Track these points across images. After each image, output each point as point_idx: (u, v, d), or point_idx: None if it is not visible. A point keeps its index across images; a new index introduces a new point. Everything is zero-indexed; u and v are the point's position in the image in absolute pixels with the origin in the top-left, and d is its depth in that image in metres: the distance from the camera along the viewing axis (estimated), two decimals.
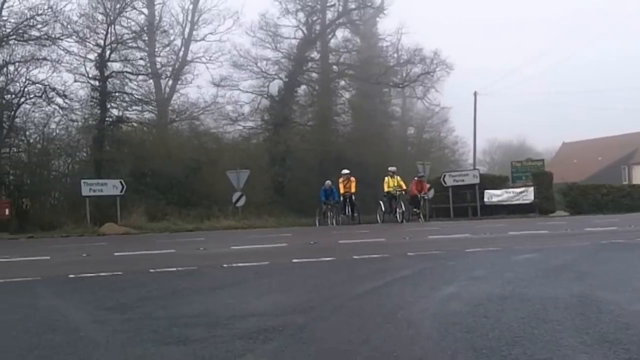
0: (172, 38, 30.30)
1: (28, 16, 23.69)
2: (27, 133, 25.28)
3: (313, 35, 34.59)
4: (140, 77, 28.06)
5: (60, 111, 25.15)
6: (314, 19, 34.74)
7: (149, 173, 25.73)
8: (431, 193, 25.50)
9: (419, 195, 23.16)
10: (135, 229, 20.66)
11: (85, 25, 25.61)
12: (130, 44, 27.08)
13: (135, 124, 27.97)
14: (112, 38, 26.08)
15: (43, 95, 24.31)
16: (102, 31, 25.88)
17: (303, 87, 35.33)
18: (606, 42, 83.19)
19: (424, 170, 26.10)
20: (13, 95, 24.31)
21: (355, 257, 8.91)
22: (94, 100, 25.98)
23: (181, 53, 31.92)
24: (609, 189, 28.19)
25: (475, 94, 38.13)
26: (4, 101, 24.28)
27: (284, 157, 30.93)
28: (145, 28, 28.71)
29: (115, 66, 26.76)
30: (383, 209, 22.17)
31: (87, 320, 4.67)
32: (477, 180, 26.47)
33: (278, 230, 18.83)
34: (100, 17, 26.11)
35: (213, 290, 6.21)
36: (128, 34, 27.36)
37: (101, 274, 7.59)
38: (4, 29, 23.78)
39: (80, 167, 26.38)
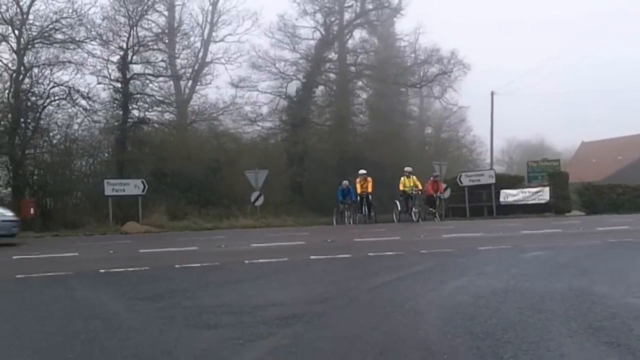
0: (192, 39, 30.88)
1: (53, 19, 24.35)
2: (51, 134, 25.92)
3: (331, 36, 34.93)
4: (161, 79, 28.67)
5: (84, 112, 25.77)
6: (332, 20, 35.10)
7: (170, 173, 26.19)
8: (447, 193, 25.76)
9: (434, 195, 23.46)
10: (156, 228, 21.11)
11: (109, 28, 26.20)
12: (151, 46, 27.62)
13: (156, 125, 28.50)
14: (134, 41, 26.61)
15: (67, 97, 24.93)
16: (125, 34, 26.42)
17: (321, 87, 35.74)
18: (623, 42, 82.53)
19: (440, 170, 26.34)
20: (38, 97, 24.96)
21: (370, 254, 9.28)
22: (117, 101, 26.57)
23: (200, 54, 32.55)
24: (624, 189, 28.18)
25: (492, 93, 38.12)
26: (29, 103, 24.93)
27: (302, 157, 31.30)
28: (166, 30, 29.25)
29: (137, 68, 27.34)
30: (399, 208, 22.46)
31: (122, 309, 5.13)
32: (492, 180, 26.64)
33: (296, 229, 19.18)
34: (122, 19, 26.70)
35: (236, 283, 6.65)
36: (149, 36, 27.87)
37: (129, 269, 8.05)
38: (30, 32, 24.43)
39: (102, 167, 26.94)
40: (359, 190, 22.15)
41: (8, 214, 14.90)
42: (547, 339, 3.59)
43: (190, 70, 31.19)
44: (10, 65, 24.65)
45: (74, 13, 24.53)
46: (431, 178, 24.18)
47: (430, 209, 23.43)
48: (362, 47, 36.79)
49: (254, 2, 48.47)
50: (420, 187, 22.37)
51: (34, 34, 24.42)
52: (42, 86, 24.92)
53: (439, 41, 40.22)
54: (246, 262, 8.49)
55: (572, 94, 71.08)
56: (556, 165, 28.95)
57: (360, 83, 37.70)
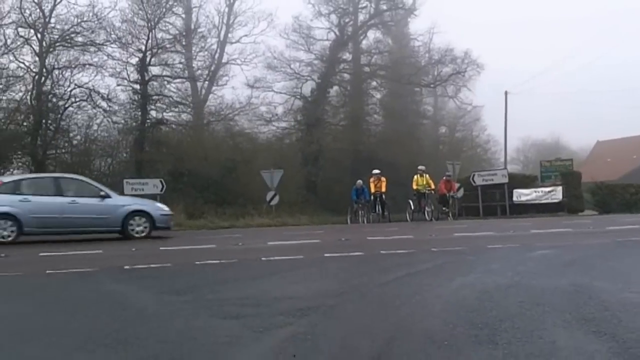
0: (208, 41, 31.33)
1: (74, 23, 24.93)
2: (71, 135, 26.48)
3: (345, 37, 35.18)
4: (178, 80, 29.18)
5: (103, 113, 26.33)
6: (346, 20, 35.39)
7: (187, 173, 26.59)
8: (461, 192, 26.00)
9: (447, 194, 23.73)
10: (174, 226, 21.48)
11: (128, 31, 26.77)
12: (169, 49, 28.12)
13: (173, 126, 29.01)
14: (153, 43, 27.14)
15: (88, 99, 25.53)
16: (144, 36, 27.01)
17: (335, 87, 36.01)
18: (638, 42, 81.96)
19: (453, 169, 26.58)
20: (59, 99, 25.52)
21: (382, 252, 9.60)
22: (135, 103, 27.09)
23: (217, 55, 32.91)
24: (637, 188, 28.20)
25: (505, 93, 38.21)
26: (50, 104, 25.51)
27: (317, 156, 31.61)
28: (183, 32, 29.74)
29: (155, 70, 27.90)
30: (412, 207, 22.70)
31: (150, 302, 5.53)
32: (505, 180, 26.78)
33: (311, 227, 19.49)
34: (141, 22, 27.25)
35: (254, 279, 7.02)
36: (167, 38, 28.41)
37: (151, 265, 8.47)
38: (52, 36, 25.01)
39: (120, 167, 27.46)
40: (372, 190, 22.41)
41: (165, 208, 16.14)
42: (541, 329, 3.91)
43: (206, 71, 31.65)
44: (32, 67, 25.32)
45: (95, 16, 25.22)
46: (444, 177, 24.46)
47: (444, 208, 23.69)
48: (376, 47, 36.97)
49: (269, 4, 48.99)
50: (433, 186, 22.59)
51: (55, 37, 25.07)
52: (63, 88, 25.62)
53: (453, 41, 40.38)
54: (263, 259, 8.84)
55: (587, 93, 70.81)
56: (569, 164, 29.04)
57: (374, 83, 37.88)
